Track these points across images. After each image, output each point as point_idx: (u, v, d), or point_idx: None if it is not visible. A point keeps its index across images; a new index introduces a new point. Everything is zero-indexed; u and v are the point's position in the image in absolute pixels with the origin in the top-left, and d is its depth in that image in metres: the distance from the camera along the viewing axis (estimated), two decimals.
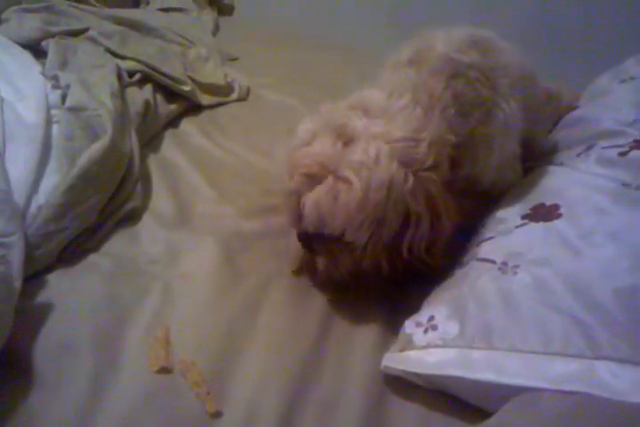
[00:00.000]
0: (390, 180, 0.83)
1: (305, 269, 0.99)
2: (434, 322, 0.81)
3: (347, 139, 0.85)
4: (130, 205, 1.09)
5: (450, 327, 0.79)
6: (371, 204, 0.82)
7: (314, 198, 0.84)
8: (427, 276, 0.93)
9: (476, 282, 0.84)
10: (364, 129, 0.86)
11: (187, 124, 1.43)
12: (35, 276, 0.91)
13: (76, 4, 1.66)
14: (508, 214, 0.95)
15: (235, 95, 1.57)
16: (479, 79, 0.94)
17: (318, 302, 0.95)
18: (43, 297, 0.89)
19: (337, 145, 0.85)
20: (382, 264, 0.90)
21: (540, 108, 1.15)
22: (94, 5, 1.73)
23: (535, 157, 1.13)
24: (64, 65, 1.33)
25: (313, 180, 0.85)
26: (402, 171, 0.83)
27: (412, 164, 0.85)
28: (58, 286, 0.92)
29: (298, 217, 0.89)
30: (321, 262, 0.93)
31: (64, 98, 1.20)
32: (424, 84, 0.92)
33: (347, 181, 0.82)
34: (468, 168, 0.95)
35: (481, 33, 1.03)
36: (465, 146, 0.93)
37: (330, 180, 0.83)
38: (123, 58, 1.46)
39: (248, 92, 1.60)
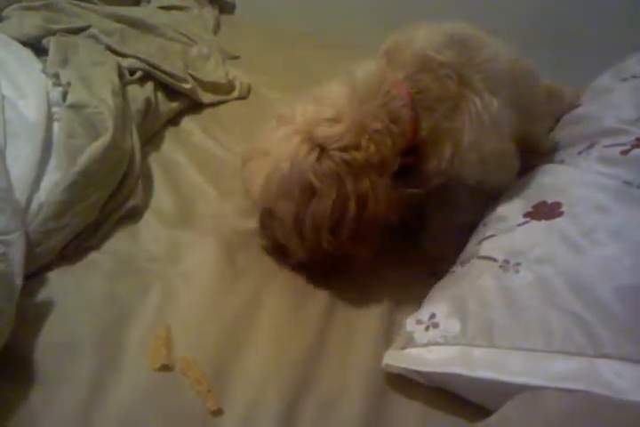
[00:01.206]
0: (294, 155, 0.89)
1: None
2: (435, 320, 0.81)
3: (285, 120, 0.93)
4: (131, 203, 1.09)
5: (451, 325, 0.79)
6: (277, 176, 0.89)
7: (246, 179, 0.95)
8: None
9: (478, 280, 0.84)
10: (293, 113, 0.93)
11: (187, 122, 1.43)
12: (35, 273, 0.91)
13: (77, 2, 1.65)
14: (510, 212, 0.95)
15: (235, 93, 1.57)
16: (450, 75, 0.95)
17: (318, 299, 0.95)
18: (43, 295, 0.89)
19: (278, 129, 0.93)
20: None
21: (538, 105, 1.15)
22: (95, 3, 1.73)
23: (536, 156, 1.13)
24: (65, 63, 1.33)
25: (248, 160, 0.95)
26: (305, 146, 0.89)
27: (323, 142, 0.89)
28: (59, 283, 0.92)
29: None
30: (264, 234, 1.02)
31: (65, 95, 1.20)
32: (377, 74, 0.95)
33: (264, 157, 0.92)
34: (435, 162, 0.96)
35: (465, 30, 1.03)
36: (429, 140, 0.95)
37: (256, 159, 0.93)
38: (123, 56, 1.45)
39: (249, 91, 1.60)
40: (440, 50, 0.96)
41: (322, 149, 0.89)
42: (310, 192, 0.89)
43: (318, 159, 0.88)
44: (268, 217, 0.98)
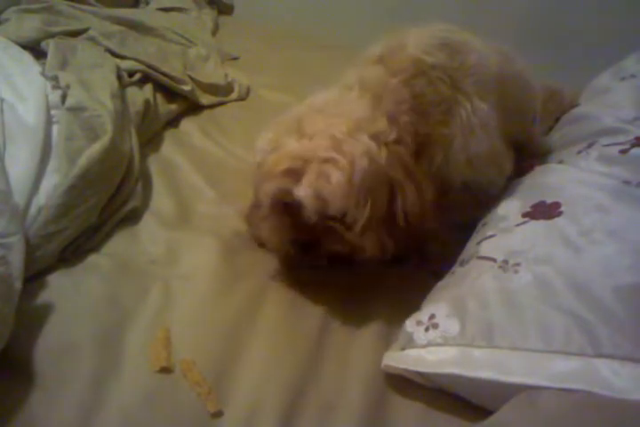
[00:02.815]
0: (368, 151, 0.87)
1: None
2: (434, 320, 0.81)
3: (309, 133, 0.89)
4: (130, 205, 1.09)
5: (450, 326, 0.79)
6: (359, 175, 0.85)
7: (308, 185, 0.85)
8: (427, 250, 0.97)
9: (477, 280, 0.84)
10: (322, 121, 0.90)
11: (187, 124, 1.43)
12: (35, 276, 0.91)
13: (76, 5, 1.65)
14: (509, 212, 0.95)
15: (235, 95, 1.57)
16: (442, 79, 0.96)
17: (318, 301, 0.95)
18: (43, 297, 0.89)
19: (303, 140, 0.89)
20: (385, 241, 0.91)
21: (530, 106, 1.15)
22: (94, 5, 1.73)
23: (534, 156, 1.13)
24: (64, 65, 1.33)
25: (295, 175, 0.87)
26: (373, 143, 0.88)
27: (379, 137, 0.89)
28: (58, 286, 0.92)
29: (289, 216, 0.90)
30: (334, 247, 0.93)
31: (64, 98, 1.20)
32: (379, 81, 0.95)
33: (331, 160, 0.86)
34: (425, 166, 0.96)
35: (454, 33, 1.04)
36: (423, 145, 0.95)
37: (315, 165, 0.86)
38: (122, 58, 1.46)
39: (248, 92, 1.60)
40: (431, 52, 0.97)
41: (385, 144, 0.89)
42: (389, 185, 0.89)
43: (386, 153, 0.88)
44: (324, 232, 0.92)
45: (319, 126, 0.89)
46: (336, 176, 0.85)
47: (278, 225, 0.93)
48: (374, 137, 0.89)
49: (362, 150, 0.87)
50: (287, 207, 0.90)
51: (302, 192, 0.86)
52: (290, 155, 0.88)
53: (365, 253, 0.92)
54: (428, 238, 0.96)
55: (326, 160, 0.86)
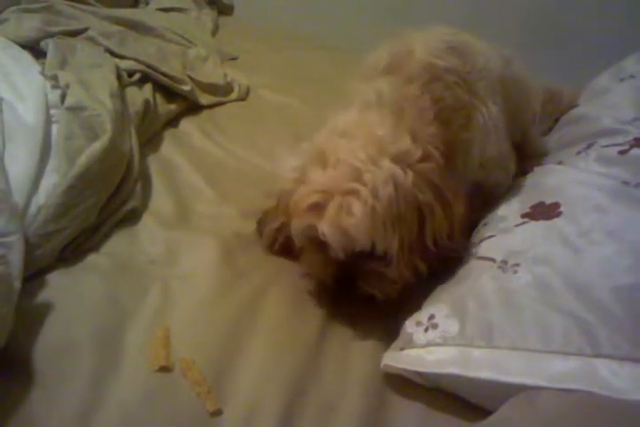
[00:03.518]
0: (392, 176, 0.82)
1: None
2: (434, 321, 0.81)
3: (333, 161, 0.85)
4: (129, 205, 1.08)
5: (450, 326, 0.79)
6: (383, 204, 0.81)
7: (329, 220, 0.82)
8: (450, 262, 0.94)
9: (477, 281, 0.84)
10: (344, 145, 0.86)
11: (186, 124, 1.43)
12: (35, 275, 0.91)
13: (75, 4, 1.65)
14: (508, 213, 0.95)
15: (234, 95, 1.57)
16: (458, 83, 0.95)
17: (318, 301, 0.94)
18: (42, 297, 0.89)
19: (327, 170, 0.85)
20: (419, 266, 0.88)
21: (530, 108, 1.16)
22: (93, 5, 1.73)
23: (533, 156, 1.13)
24: (63, 65, 1.33)
25: (319, 210, 0.83)
26: (398, 166, 0.83)
27: (403, 158, 0.85)
28: (58, 285, 0.91)
29: (321, 251, 0.88)
30: (371, 284, 0.90)
31: (63, 98, 1.20)
32: (396, 90, 0.93)
33: (352, 191, 0.82)
34: (447, 171, 0.94)
35: (458, 36, 1.04)
36: (451, 151, 0.93)
37: (336, 197, 0.82)
38: (122, 58, 1.46)
39: (247, 92, 1.60)
40: (442, 56, 0.96)
41: (409, 166, 0.84)
42: (418, 209, 0.85)
43: (413, 175, 0.84)
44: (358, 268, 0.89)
45: (342, 153, 0.85)
46: (358, 208, 0.81)
47: (314, 261, 0.91)
48: (398, 159, 0.84)
49: (385, 177, 0.82)
50: (320, 243, 0.87)
51: (325, 228, 0.83)
52: (314, 188, 0.85)
53: (401, 281, 0.89)
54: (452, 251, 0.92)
55: (348, 192, 0.82)
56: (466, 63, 0.97)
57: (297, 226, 0.88)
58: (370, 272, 0.89)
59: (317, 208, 0.84)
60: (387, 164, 0.83)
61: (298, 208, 0.86)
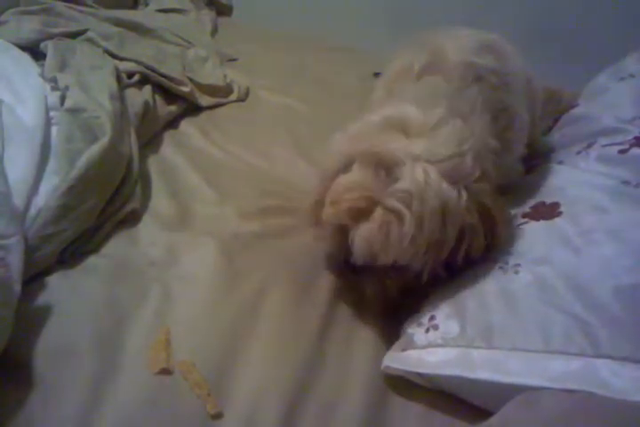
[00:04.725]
0: (443, 202, 0.78)
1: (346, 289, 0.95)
2: (435, 322, 0.81)
3: (388, 165, 0.80)
4: (129, 207, 1.08)
5: (450, 327, 0.79)
6: (425, 235, 0.77)
7: (364, 235, 0.79)
8: None
9: (477, 281, 0.84)
10: (406, 152, 0.80)
11: (186, 125, 1.43)
12: (34, 278, 0.91)
13: (75, 6, 1.65)
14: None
15: (234, 96, 1.57)
16: (500, 84, 0.94)
17: (318, 302, 0.94)
18: (42, 299, 0.89)
19: (380, 174, 0.80)
20: (440, 274, 0.86)
21: (538, 108, 1.16)
22: (93, 7, 1.73)
23: (534, 156, 1.13)
24: (63, 67, 1.33)
25: (359, 214, 0.79)
26: (454, 190, 0.79)
27: (461, 179, 0.80)
28: (57, 288, 0.91)
29: (345, 251, 0.85)
30: (369, 288, 0.89)
31: (63, 99, 1.20)
32: (455, 92, 0.90)
33: (396, 212, 0.77)
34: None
35: (487, 36, 1.03)
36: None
37: (379, 213, 0.78)
38: (121, 59, 1.46)
39: (247, 93, 1.60)
40: (481, 55, 0.95)
41: (465, 187, 0.80)
42: (461, 230, 0.81)
43: (466, 198, 0.79)
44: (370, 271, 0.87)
45: (400, 159, 0.79)
46: (396, 233, 0.77)
47: (337, 245, 0.88)
48: (456, 180, 0.79)
49: (435, 207, 0.77)
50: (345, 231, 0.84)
51: (357, 237, 0.79)
52: (360, 191, 0.80)
53: (419, 285, 0.86)
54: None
55: (393, 210, 0.77)
56: (501, 62, 0.96)
57: (330, 217, 0.84)
58: (375, 275, 0.87)
59: (355, 211, 0.80)
60: (443, 187, 0.78)
61: (338, 201, 0.82)
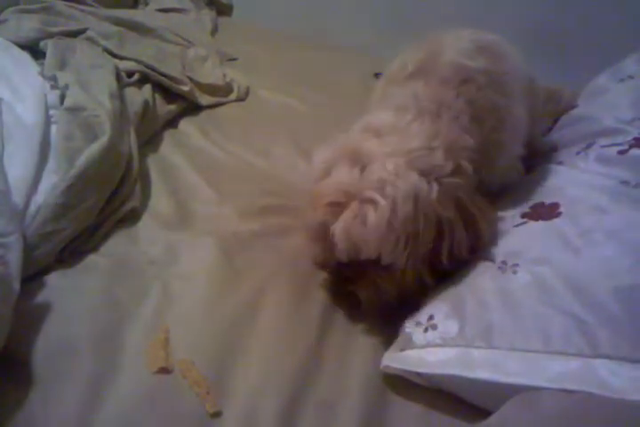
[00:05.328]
0: (414, 191, 0.81)
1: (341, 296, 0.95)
2: (433, 321, 0.81)
3: (363, 162, 0.84)
4: (129, 206, 1.08)
5: (449, 327, 0.79)
6: (400, 220, 0.80)
7: (342, 225, 0.82)
8: None
9: (476, 281, 0.84)
10: (377, 148, 0.85)
11: (186, 125, 1.43)
12: (33, 276, 0.91)
13: (75, 5, 1.65)
14: (508, 213, 0.95)
15: (234, 95, 1.57)
16: (489, 84, 0.94)
17: (317, 301, 0.95)
18: (42, 298, 0.89)
19: (354, 170, 0.84)
20: (425, 278, 0.87)
21: (539, 108, 1.16)
22: (93, 6, 1.73)
23: (534, 156, 1.13)
24: (63, 65, 1.33)
25: (338, 208, 0.83)
26: (424, 180, 0.82)
27: (432, 172, 0.83)
28: (57, 286, 0.91)
29: (329, 248, 0.86)
30: (363, 293, 0.90)
31: (62, 98, 1.20)
32: (431, 93, 0.92)
33: (371, 201, 0.81)
34: (483, 174, 0.95)
35: (486, 37, 1.03)
36: (480, 152, 0.92)
37: (354, 204, 0.82)
38: (121, 58, 1.46)
39: (247, 93, 1.60)
40: (472, 57, 0.96)
41: (436, 180, 0.83)
42: (438, 224, 0.83)
43: (438, 191, 0.82)
44: (358, 271, 0.89)
45: (372, 157, 0.84)
46: (372, 220, 0.80)
47: (322, 251, 0.90)
48: (426, 173, 0.83)
49: (407, 193, 0.80)
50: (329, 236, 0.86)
51: (337, 230, 0.82)
52: (337, 186, 0.84)
53: (404, 291, 0.88)
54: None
55: (367, 200, 0.81)
56: (495, 63, 0.97)
57: (314, 217, 0.87)
58: (367, 277, 0.88)
59: (336, 207, 0.83)
60: (413, 178, 0.82)
61: (319, 200, 0.85)
